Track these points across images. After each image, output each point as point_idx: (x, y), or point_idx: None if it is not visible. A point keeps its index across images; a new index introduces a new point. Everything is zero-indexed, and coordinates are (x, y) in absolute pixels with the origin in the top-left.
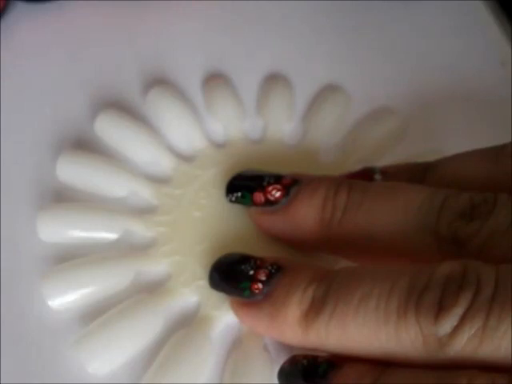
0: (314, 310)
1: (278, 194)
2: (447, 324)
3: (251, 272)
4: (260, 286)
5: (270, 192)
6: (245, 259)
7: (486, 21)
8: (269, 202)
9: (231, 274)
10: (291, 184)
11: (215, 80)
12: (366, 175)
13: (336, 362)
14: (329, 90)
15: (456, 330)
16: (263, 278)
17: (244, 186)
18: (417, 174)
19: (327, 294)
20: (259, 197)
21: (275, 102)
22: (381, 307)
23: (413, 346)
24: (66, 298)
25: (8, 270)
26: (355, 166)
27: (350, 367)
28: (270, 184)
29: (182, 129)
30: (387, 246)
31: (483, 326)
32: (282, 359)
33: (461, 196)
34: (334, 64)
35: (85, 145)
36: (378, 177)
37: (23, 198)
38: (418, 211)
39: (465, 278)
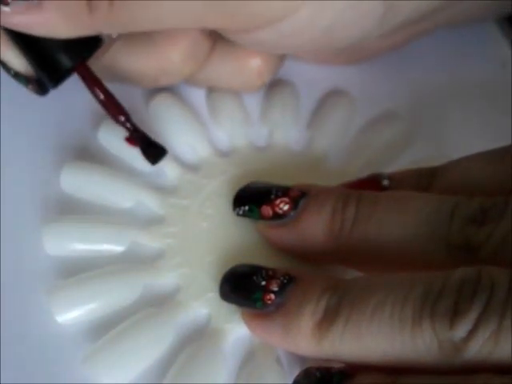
0: (328, 320)
1: (286, 208)
2: (462, 329)
3: (263, 283)
4: (272, 296)
5: (277, 205)
6: (256, 270)
7: (486, 21)
8: (277, 216)
9: (243, 285)
10: (299, 196)
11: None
12: (373, 181)
13: (349, 371)
14: (334, 96)
15: (471, 334)
16: (275, 288)
17: (251, 199)
18: (424, 178)
19: (341, 303)
20: (267, 210)
21: (280, 108)
22: (395, 315)
23: (428, 352)
24: (74, 312)
25: (14, 285)
26: (362, 171)
27: (364, 376)
28: (277, 197)
29: (186, 137)
30: (398, 256)
31: (497, 328)
32: (295, 372)
33: (470, 202)
34: (339, 69)
35: (89, 155)
36: (385, 182)
37: (27, 211)
38: (428, 220)
39: (479, 283)
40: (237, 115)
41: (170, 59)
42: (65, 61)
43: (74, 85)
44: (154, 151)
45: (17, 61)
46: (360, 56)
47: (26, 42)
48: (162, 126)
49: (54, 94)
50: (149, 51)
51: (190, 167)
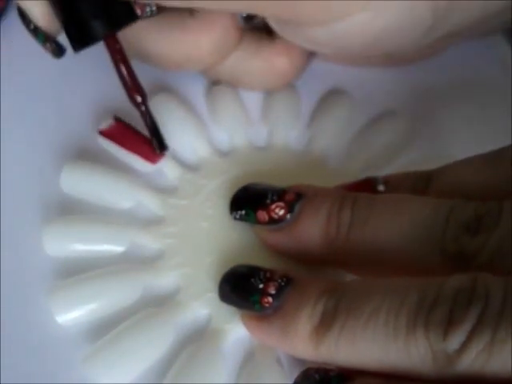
0: (325, 325)
1: (281, 212)
2: (456, 340)
3: (261, 285)
4: (270, 299)
5: (273, 210)
6: (254, 271)
7: None
8: (273, 221)
9: (241, 287)
10: (295, 200)
11: (219, 87)
12: (368, 185)
13: (347, 375)
14: (334, 95)
15: (464, 345)
16: (273, 291)
17: (247, 203)
18: (419, 182)
19: (337, 308)
20: (263, 215)
21: (280, 108)
22: (390, 323)
23: (422, 361)
24: (74, 313)
25: (14, 286)
26: (361, 171)
27: (362, 379)
28: (272, 202)
29: (185, 137)
30: (393, 260)
31: (491, 340)
32: (295, 372)
33: (466, 207)
34: (339, 69)
35: (89, 155)
36: (381, 187)
37: (27, 211)
38: (424, 225)
39: (474, 292)
40: (237, 115)
41: (199, 47)
42: (97, 27)
43: (74, 85)
44: (158, 144)
45: (40, 13)
46: (399, 61)
47: None
48: (162, 125)
49: (54, 93)
50: (179, 35)
51: (190, 167)
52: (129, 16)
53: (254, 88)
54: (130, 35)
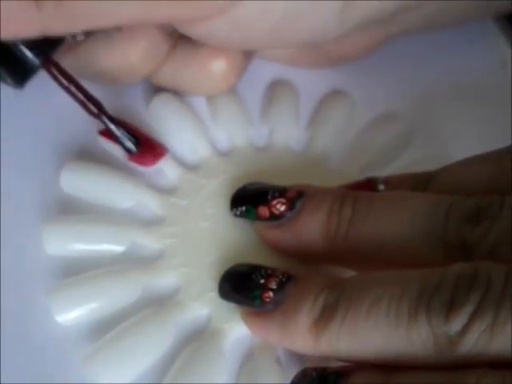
0: (325, 317)
1: (282, 208)
2: (458, 322)
3: (262, 281)
4: (271, 294)
5: (274, 206)
6: (255, 269)
7: (486, 21)
8: (274, 216)
9: (242, 284)
10: (296, 197)
11: None
12: (369, 185)
13: (344, 371)
14: (333, 96)
15: (466, 328)
16: (274, 286)
17: (248, 200)
18: (420, 183)
19: (338, 301)
20: (264, 211)
21: (280, 108)
22: (392, 311)
23: (424, 346)
24: (74, 312)
25: (14, 285)
26: (362, 171)
27: (358, 376)
28: (274, 198)
29: (185, 137)
30: (394, 256)
31: (492, 322)
32: (294, 371)
33: (466, 201)
34: (339, 69)
35: (89, 155)
36: (381, 187)
37: (27, 211)
38: (424, 220)
39: (475, 278)
40: (237, 115)
41: (128, 59)
42: (30, 59)
43: None
44: (132, 140)
45: None
46: (331, 59)
47: None
48: (162, 125)
49: (54, 94)
50: (108, 51)
51: (190, 167)
52: (55, 40)
53: (198, 94)
54: (67, 59)
